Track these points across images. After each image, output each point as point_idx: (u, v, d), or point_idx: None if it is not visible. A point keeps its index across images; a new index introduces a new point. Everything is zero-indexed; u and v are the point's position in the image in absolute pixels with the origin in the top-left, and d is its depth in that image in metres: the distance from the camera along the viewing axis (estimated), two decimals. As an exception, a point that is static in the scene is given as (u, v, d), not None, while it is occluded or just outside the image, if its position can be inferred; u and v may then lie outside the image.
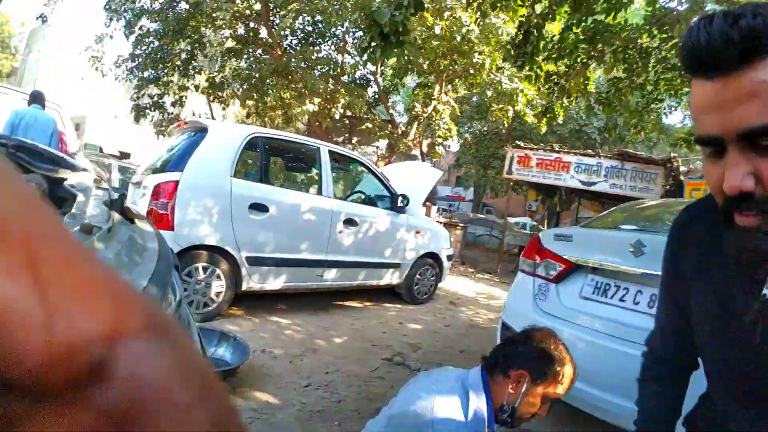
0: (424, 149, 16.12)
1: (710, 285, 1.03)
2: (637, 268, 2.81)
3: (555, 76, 8.09)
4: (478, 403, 1.64)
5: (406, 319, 6.14)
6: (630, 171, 9.88)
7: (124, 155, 11.41)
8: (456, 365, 4.25)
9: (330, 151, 6.34)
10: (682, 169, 10.70)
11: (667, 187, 10.00)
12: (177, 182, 4.74)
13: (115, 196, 2.02)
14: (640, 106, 9.01)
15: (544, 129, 10.84)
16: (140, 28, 13.66)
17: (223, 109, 15.58)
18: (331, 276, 5.99)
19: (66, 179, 2.35)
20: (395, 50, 5.51)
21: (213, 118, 15.69)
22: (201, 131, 5.30)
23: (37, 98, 6.86)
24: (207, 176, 4.98)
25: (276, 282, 5.51)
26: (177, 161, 5.00)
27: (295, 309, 5.92)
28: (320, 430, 3.23)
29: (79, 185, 2.13)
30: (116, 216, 1.72)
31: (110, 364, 0.25)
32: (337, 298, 6.62)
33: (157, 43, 13.60)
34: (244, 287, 5.24)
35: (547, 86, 8.18)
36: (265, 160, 6.17)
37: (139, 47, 13.97)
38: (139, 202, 5.03)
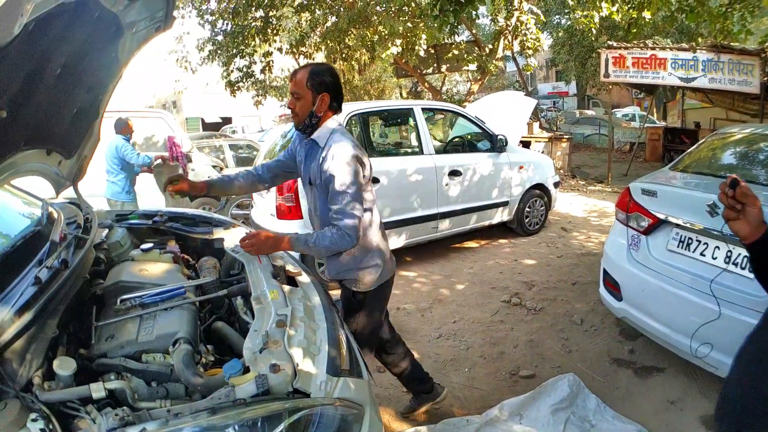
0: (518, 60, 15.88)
1: None
2: (713, 227, 3.03)
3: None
4: None
5: (519, 255, 6.62)
6: (726, 63, 9.41)
7: (225, 121, 12.15)
8: (568, 299, 4.75)
9: (423, 108, 6.73)
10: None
11: (765, 78, 9.53)
12: (296, 175, 5.39)
13: (278, 261, 2.60)
14: (722, 9, 8.57)
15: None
16: (210, 13, 14.27)
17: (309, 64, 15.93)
18: (445, 226, 6.54)
19: (222, 239, 2.99)
20: (468, 6, 5.70)
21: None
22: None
23: (116, 127, 6.95)
24: (320, 162, 5.56)
25: (398, 241, 6.15)
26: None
27: (418, 259, 6.57)
28: (453, 377, 3.84)
29: (241, 251, 2.68)
30: (286, 288, 2.31)
31: None
32: (454, 241, 7.16)
33: (230, 24, 14.12)
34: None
35: (626, 2, 7.94)
36: (367, 133, 6.65)
37: (215, 29, 14.62)
38: (266, 196, 5.81)
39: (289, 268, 2.58)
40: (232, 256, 2.78)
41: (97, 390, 1.64)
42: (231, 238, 2.97)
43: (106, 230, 2.98)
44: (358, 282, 2.74)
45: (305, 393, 1.65)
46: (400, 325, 4.70)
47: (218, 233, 3.06)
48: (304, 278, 2.55)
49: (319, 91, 2.51)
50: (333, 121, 2.61)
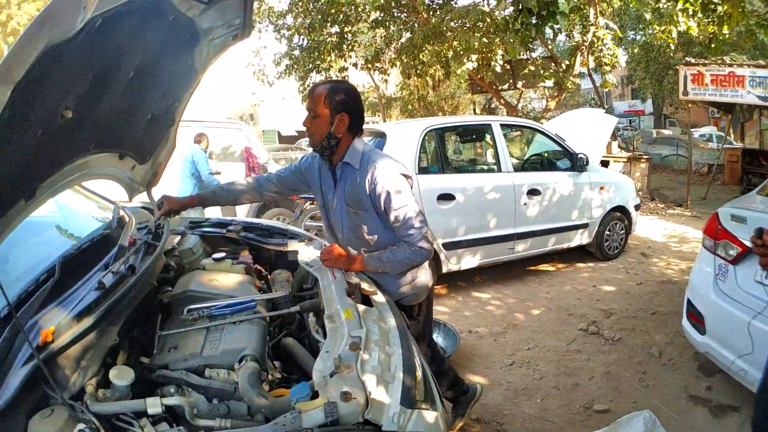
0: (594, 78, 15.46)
1: None
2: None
3: (711, 4, 7.45)
4: None
5: (598, 281, 6.29)
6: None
7: (301, 134, 12.33)
8: (647, 330, 4.46)
9: (501, 125, 6.53)
10: None
11: None
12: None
13: (353, 278, 2.47)
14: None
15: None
16: (287, 27, 14.51)
17: (384, 79, 16.09)
18: (521, 247, 6.27)
19: (297, 251, 2.89)
20: (549, 21, 5.53)
21: (377, 87, 16.31)
22: (380, 136, 5.85)
23: (194, 139, 7.50)
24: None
25: (471, 261, 5.96)
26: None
27: (491, 280, 6.35)
28: (524, 407, 3.64)
29: (316, 265, 2.61)
30: (361, 308, 2.17)
31: None
32: (530, 263, 6.87)
33: (306, 40, 14.31)
34: (443, 270, 5.78)
35: (706, 16, 7.57)
36: (443, 149, 6.48)
37: (291, 44, 14.85)
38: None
39: (365, 286, 2.44)
40: (305, 269, 2.68)
41: (153, 405, 1.55)
42: (305, 251, 2.87)
43: (179, 237, 2.94)
44: (417, 295, 2.71)
45: (376, 425, 1.50)
46: (472, 348, 4.53)
47: (293, 245, 2.98)
48: (379, 298, 2.40)
49: (338, 110, 2.38)
50: (360, 142, 2.50)
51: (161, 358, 1.89)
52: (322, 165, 2.62)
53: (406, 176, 2.44)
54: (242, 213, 7.98)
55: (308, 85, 15.10)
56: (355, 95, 2.47)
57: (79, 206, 3.11)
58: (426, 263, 2.68)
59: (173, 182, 7.20)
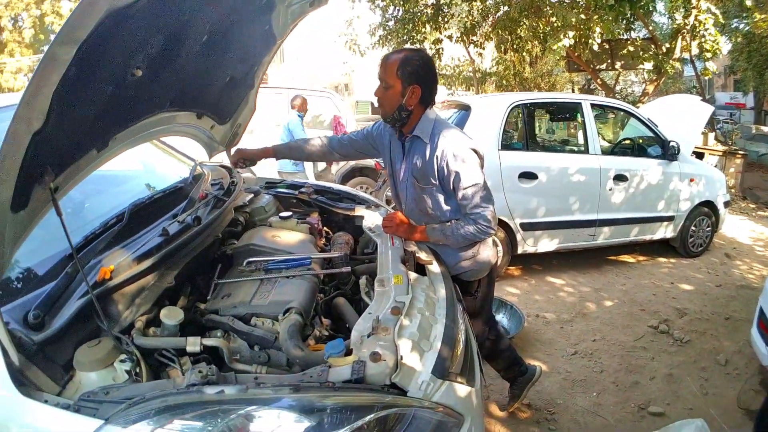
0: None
1: None
2: None
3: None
4: None
5: (677, 278, 6.01)
6: None
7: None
8: (717, 335, 4.26)
9: (592, 105, 6.28)
10: None
11: None
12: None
13: (411, 246, 2.50)
14: None
15: None
16: None
17: (480, 53, 15.77)
18: (602, 234, 6.05)
19: (363, 217, 2.95)
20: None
21: (472, 61, 16.04)
22: (465, 109, 5.78)
23: (291, 103, 7.71)
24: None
25: (549, 244, 5.81)
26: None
27: (568, 266, 6.20)
28: (578, 400, 3.57)
29: (377, 231, 2.66)
30: (412, 275, 2.19)
31: None
32: (610, 252, 6.64)
33: (401, 11, 14.19)
34: (519, 251, 5.66)
35: None
36: (530, 126, 6.31)
37: (385, 15, 14.75)
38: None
39: (421, 255, 2.46)
40: (368, 235, 2.73)
41: (193, 344, 1.64)
42: (371, 216, 2.92)
43: (251, 195, 3.05)
44: (477, 271, 2.70)
45: (402, 390, 1.51)
46: (536, 333, 4.47)
47: (359, 210, 3.04)
48: (434, 268, 2.42)
49: (410, 82, 2.33)
50: (432, 114, 2.46)
51: (214, 304, 2.00)
52: (393, 134, 2.62)
53: (476, 152, 2.40)
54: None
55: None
56: (429, 66, 2.41)
57: (162, 163, 3.29)
58: (490, 240, 2.67)
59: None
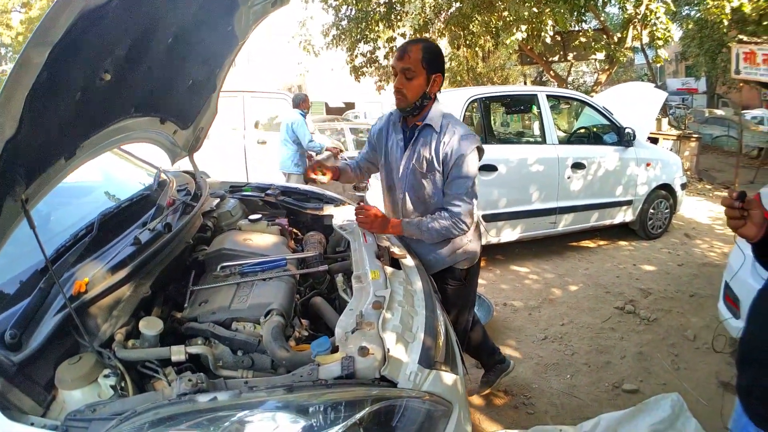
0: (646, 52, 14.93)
1: None
2: None
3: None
4: None
5: (639, 260, 6.16)
6: None
7: (348, 106, 12.31)
8: (683, 312, 4.38)
9: (548, 96, 6.38)
10: None
11: None
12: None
13: (384, 242, 2.51)
14: None
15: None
16: None
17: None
18: (563, 222, 6.18)
19: (332, 215, 2.95)
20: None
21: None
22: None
23: (293, 101, 7.66)
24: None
25: (512, 234, 5.91)
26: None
27: (531, 254, 6.29)
28: (553, 383, 3.63)
29: (349, 228, 2.66)
30: (388, 270, 2.21)
31: None
32: (571, 239, 6.78)
33: (354, 10, 14.19)
34: (483, 242, 5.65)
35: None
36: (487, 119, 6.38)
37: (338, 14, 14.71)
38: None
39: (395, 249, 2.48)
40: (339, 233, 2.73)
41: (177, 353, 1.62)
42: (341, 215, 2.94)
43: (218, 200, 3.02)
44: (469, 260, 2.74)
45: (392, 382, 1.53)
46: (506, 321, 4.53)
47: (328, 210, 3.05)
48: (408, 261, 2.44)
49: (433, 70, 2.39)
50: (441, 104, 2.51)
51: (192, 311, 1.97)
52: (394, 124, 2.63)
53: (479, 149, 2.45)
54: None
55: (355, 56, 15.03)
56: (443, 55, 2.48)
57: (124, 172, 3.22)
58: (475, 230, 2.72)
59: (276, 147, 7.51)
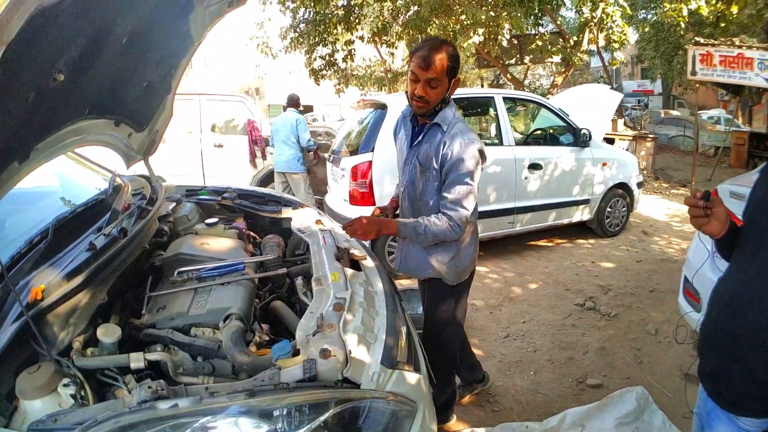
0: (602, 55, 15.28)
1: None
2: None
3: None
4: None
5: (597, 257, 6.29)
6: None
7: (307, 109, 12.21)
8: (644, 307, 4.48)
9: (504, 98, 6.47)
10: None
11: None
12: (370, 162, 5.36)
13: (343, 243, 2.51)
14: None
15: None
16: (291, 0, 14.34)
17: (391, 53, 15.95)
18: (521, 221, 6.26)
19: (290, 218, 2.93)
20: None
21: (383, 61, 16.18)
22: (381, 108, 5.80)
23: (288, 102, 7.72)
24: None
25: (472, 235, 5.90)
26: (366, 142, 5.57)
27: (491, 254, 6.33)
28: (517, 380, 3.67)
29: (307, 231, 2.65)
30: (348, 271, 2.20)
31: None
32: (530, 238, 6.87)
33: (312, 12, 14.17)
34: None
35: None
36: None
37: (296, 17, 14.69)
38: (340, 182, 5.75)
39: (354, 251, 2.48)
40: (298, 236, 2.71)
41: (136, 360, 1.58)
42: (299, 217, 2.92)
43: (174, 204, 2.97)
44: (443, 276, 2.65)
45: (355, 383, 1.52)
46: (468, 321, 4.47)
47: (287, 212, 3.02)
48: (368, 263, 2.44)
49: (453, 75, 2.40)
50: (452, 105, 2.52)
51: (149, 318, 1.93)
52: (405, 123, 2.66)
53: (482, 153, 2.45)
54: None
55: (314, 59, 14.97)
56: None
57: (79, 177, 3.14)
58: (472, 239, 2.72)
59: (277, 147, 7.51)
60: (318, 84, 16.05)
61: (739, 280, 1.59)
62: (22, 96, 1.56)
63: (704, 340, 1.67)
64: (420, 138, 2.52)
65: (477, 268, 5.55)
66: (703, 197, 1.57)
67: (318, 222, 2.86)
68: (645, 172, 11.20)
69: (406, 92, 2.47)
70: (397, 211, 2.77)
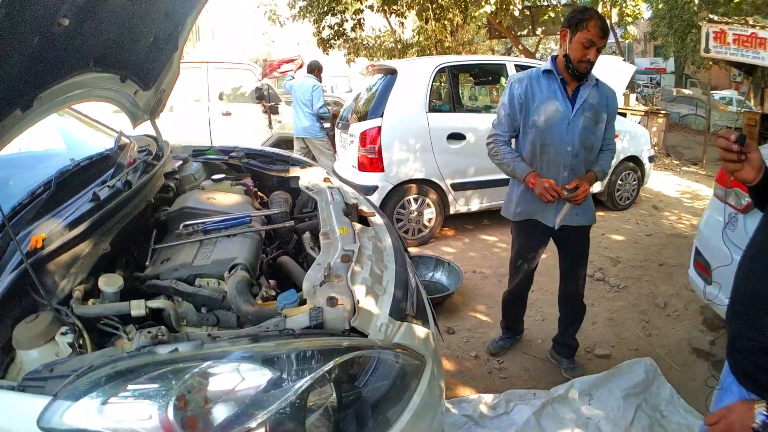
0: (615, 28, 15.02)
1: None
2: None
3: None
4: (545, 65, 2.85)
5: (607, 230, 6.21)
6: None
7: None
8: (653, 280, 4.42)
9: (516, 66, 6.29)
10: None
11: None
12: (379, 128, 5.28)
13: (351, 200, 2.46)
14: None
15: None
16: None
17: (401, 23, 15.71)
18: (531, 191, 6.15)
19: (298, 177, 2.89)
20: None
21: (393, 31, 15.96)
22: (391, 72, 5.71)
23: (309, 68, 7.73)
24: (404, 116, 5.42)
25: (480, 203, 5.91)
26: (375, 107, 5.49)
27: (499, 224, 6.19)
28: (524, 347, 3.66)
29: (315, 189, 2.60)
30: (357, 226, 2.16)
31: None
32: (540, 209, 6.78)
33: None
34: (451, 211, 5.76)
35: None
36: (455, 88, 6.30)
37: None
38: (348, 148, 5.68)
39: (363, 207, 2.44)
40: (306, 194, 2.68)
41: (137, 307, 1.54)
42: (307, 176, 2.88)
43: (180, 162, 2.93)
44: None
45: (363, 333, 1.48)
46: (476, 288, 4.54)
47: (294, 171, 2.99)
48: (377, 219, 2.41)
49: None
50: None
51: (153, 270, 1.90)
52: (547, 85, 2.82)
53: None
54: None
55: (323, 28, 14.78)
56: None
57: (86, 137, 3.09)
58: None
59: (296, 112, 7.48)
60: (327, 53, 15.84)
61: (764, 237, 1.51)
62: (26, 39, 1.51)
63: (729, 307, 1.61)
64: (586, 95, 2.77)
65: (486, 237, 5.62)
66: (738, 140, 1.44)
67: (326, 180, 2.82)
68: (656, 148, 11.06)
69: (556, 56, 2.81)
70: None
